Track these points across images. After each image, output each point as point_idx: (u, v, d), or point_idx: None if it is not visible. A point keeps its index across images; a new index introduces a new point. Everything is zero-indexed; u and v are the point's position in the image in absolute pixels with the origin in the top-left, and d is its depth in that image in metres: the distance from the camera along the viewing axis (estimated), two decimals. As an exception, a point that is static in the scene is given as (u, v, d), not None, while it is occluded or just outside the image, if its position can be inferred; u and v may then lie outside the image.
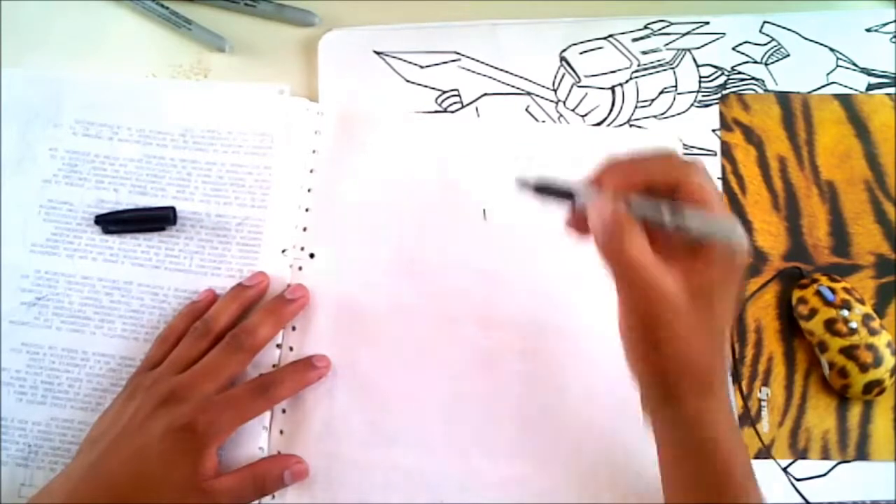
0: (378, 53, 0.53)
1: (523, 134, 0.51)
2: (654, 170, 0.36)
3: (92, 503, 0.39)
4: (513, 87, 0.53)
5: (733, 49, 0.54)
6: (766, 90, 0.53)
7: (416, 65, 0.53)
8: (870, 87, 0.53)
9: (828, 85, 0.53)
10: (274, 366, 0.46)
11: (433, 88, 0.53)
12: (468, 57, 0.53)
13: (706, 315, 0.35)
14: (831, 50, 0.54)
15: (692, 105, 0.53)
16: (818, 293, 0.47)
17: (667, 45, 0.54)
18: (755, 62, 0.54)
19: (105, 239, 0.49)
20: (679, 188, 0.35)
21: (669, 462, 0.40)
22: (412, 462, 0.45)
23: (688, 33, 0.54)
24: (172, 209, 0.49)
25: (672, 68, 0.53)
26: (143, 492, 0.40)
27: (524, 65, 0.53)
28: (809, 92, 0.53)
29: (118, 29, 0.54)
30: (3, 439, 0.46)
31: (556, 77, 0.53)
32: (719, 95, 0.53)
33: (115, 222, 0.49)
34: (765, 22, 0.54)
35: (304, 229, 0.49)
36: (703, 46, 0.54)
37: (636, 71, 0.53)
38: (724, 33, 0.54)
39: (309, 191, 0.50)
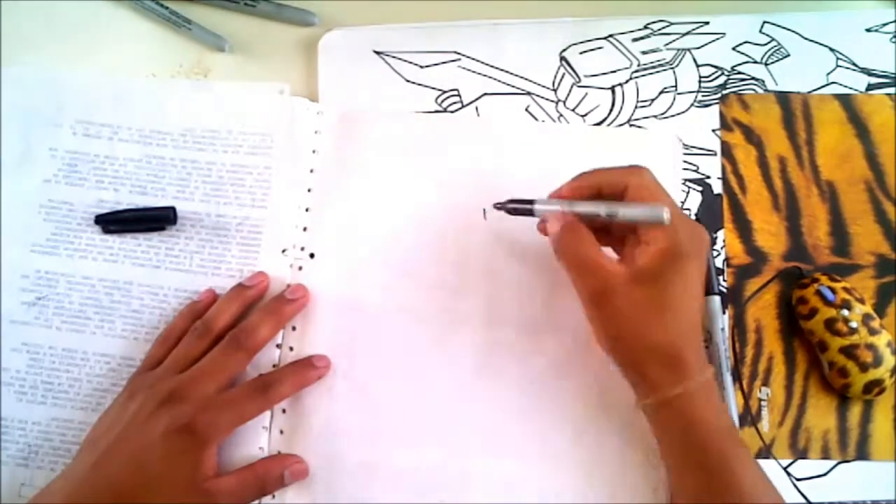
0: (378, 53, 0.53)
1: (523, 134, 0.51)
2: (602, 180, 0.42)
3: (92, 503, 0.39)
4: (513, 87, 0.53)
5: (733, 49, 0.54)
6: (766, 90, 0.53)
7: (416, 65, 0.53)
8: (870, 87, 0.53)
9: (828, 85, 0.53)
10: (274, 366, 0.46)
11: (433, 88, 0.53)
12: (468, 57, 0.53)
13: (652, 292, 0.39)
14: (831, 50, 0.54)
15: (692, 105, 0.53)
16: (818, 293, 0.47)
17: (667, 45, 0.54)
18: (755, 62, 0.54)
19: (105, 239, 0.49)
20: (626, 190, 0.41)
21: (665, 453, 0.42)
22: (412, 462, 0.45)
23: (688, 33, 0.54)
24: (172, 209, 0.49)
25: (672, 68, 0.53)
26: (144, 492, 0.40)
27: (524, 65, 0.53)
28: (809, 92, 0.53)
29: (118, 29, 0.54)
30: (3, 439, 0.46)
31: (556, 77, 0.53)
32: (719, 95, 0.53)
33: (115, 222, 0.49)
34: (765, 22, 0.54)
35: (304, 229, 0.49)
36: (703, 46, 0.54)
37: (636, 71, 0.53)
38: (724, 33, 0.54)
39: (309, 191, 0.50)
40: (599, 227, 0.42)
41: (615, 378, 0.43)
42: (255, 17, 0.54)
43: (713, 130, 0.52)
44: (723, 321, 0.48)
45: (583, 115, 0.52)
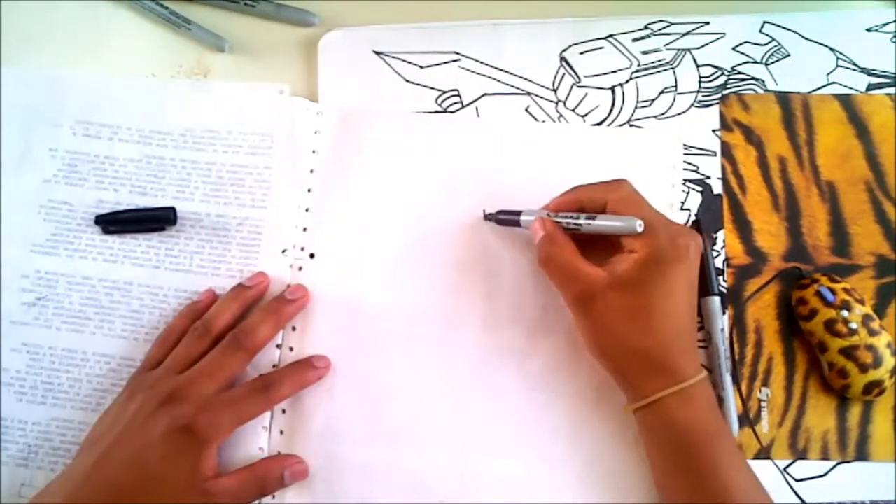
0: (378, 53, 0.53)
1: (523, 134, 0.51)
2: (583, 195, 0.44)
3: (93, 503, 0.39)
4: (513, 87, 0.53)
5: (733, 49, 0.54)
6: (766, 90, 0.53)
7: (416, 65, 0.53)
8: (870, 87, 0.53)
9: (828, 85, 0.53)
10: (274, 366, 0.47)
11: (433, 88, 0.53)
12: (468, 57, 0.53)
13: (633, 299, 0.40)
14: (831, 50, 0.54)
15: (692, 105, 0.53)
16: (818, 294, 0.47)
17: (667, 45, 0.54)
18: (755, 62, 0.54)
19: (105, 239, 0.49)
20: (606, 205, 0.43)
21: (651, 455, 0.42)
22: (412, 462, 0.45)
23: (688, 33, 0.54)
24: (172, 209, 0.49)
25: (672, 68, 0.53)
26: (144, 492, 0.40)
27: (524, 65, 0.53)
28: (809, 92, 0.53)
29: (118, 29, 0.54)
30: (3, 439, 0.46)
31: (556, 77, 0.53)
32: (719, 95, 0.53)
33: (115, 222, 0.49)
34: (765, 22, 0.54)
35: (305, 229, 0.49)
36: (703, 46, 0.54)
37: (636, 71, 0.53)
38: (724, 33, 0.54)
39: (309, 191, 0.50)
40: (586, 241, 0.43)
41: (612, 378, 0.43)
42: (255, 17, 0.54)
43: (713, 130, 0.52)
44: (722, 322, 0.48)
45: (583, 116, 0.52)
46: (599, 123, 0.52)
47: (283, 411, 0.46)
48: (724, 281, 0.49)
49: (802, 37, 0.54)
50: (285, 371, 0.46)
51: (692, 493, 0.39)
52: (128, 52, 0.53)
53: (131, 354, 0.47)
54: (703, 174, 0.51)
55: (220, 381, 0.43)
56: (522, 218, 0.46)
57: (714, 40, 0.54)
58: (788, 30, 0.54)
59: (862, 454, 0.47)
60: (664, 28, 0.54)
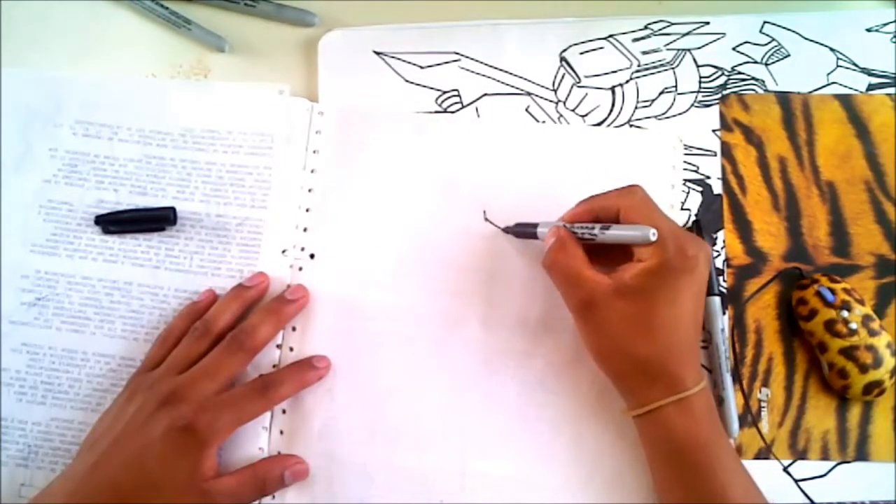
0: (378, 53, 0.53)
1: (523, 134, 0.51)
2: (596, 205, 0.44)
3: (93, 503, 0.39)
4: (513, 87, 0.53)
5: (733, 49, 0.54)
6: (766, 90, 0.53)
7: (416, 65, 0.53)
8: (870, 87, 0.53)
9: (828, 85, 0.53)
10: (274, 366, 0.47)
11: (433, 89, 0.53)
12: (468, 57, 0.53)
13: (637, 307, 0.40)
14: (831, 50, 0.54)
15: (692, 105, 0.53)
16: (818, 294, 0.47)
17: (667, 45, 0.54)
18: (755, 62, 0.54)
19: (105, 239, 0.49)
20: (618, 213, 0.42)
21: (651, 462, 0.43)
22: (412, 462, 0.45)
23: (688, 33, 0.54)
24: (172, 209, 0.49)
25: (672, 68, 0.53)
26: (144, 492, 0.40)
27: (524, 65, 0.53)
28: (809, 92, 0.53)
29: (118, 29, 0.54)
30: (3, 439, 0.46)
31: (556, 77, 0.53)
32: (719, 95, 0.53)
33: (115, 222, 0.49)
34: (765, 22, 0.54)
35: (305, 230, 0.49)
36: (703, 47, 0.54)
37: (636, 71, 0.53)
38: (724, 33, 0.54)
39: (309, 191, 0.50)
40: (603, 249, 0.43)
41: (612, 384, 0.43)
42: (255, 17, 0.54)
43: (713, 131, 0.52)
44: (722, 322, 0.48)
45: (583, 116, 0.52)
46: (599, 124, 0.52)
47: (283, 411, 0.46)
48: (724, 281, 0.49)
49: (802, 37, 0.54)
50: (285, 371, 0.46)
51: (690, 499, 0.40)
52: (128, 52, 0.53)
53: (131, 354, 0.47)
54: (703, 174, 0.51)
55: (220, 381, 0.43)
56: (539, 230, 0.46)
57: (714, 40, 0.54)
58: (788, 30, 0.54)
59: (862, 454, 0.47)
60: (664, 28, 0.54)
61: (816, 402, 0.48)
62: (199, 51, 0.54)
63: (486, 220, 0.49)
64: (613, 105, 0.52)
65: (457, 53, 0.53)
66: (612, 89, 0.53)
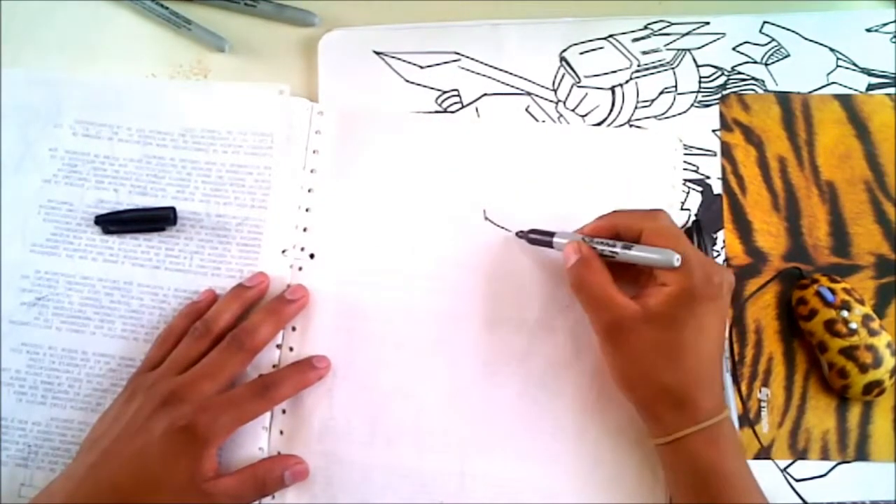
0: (378, 53, 0.53)
1: (523, 134, 0.51)
2: (619, 222, 0.44)
3: (93, 503, 0.39)
4: (513, 87, 0.53)
5: (733, 49, 0.54)
6: (766, 90, 0.53)
7: (416, 65, 0.53)
8: (870, 87, 0.53)
9: (828, 85, 0.53)
10: (274, 366, 0.47)
11: (433, 88, 0.53)
12: (468, 57, 0.53)
13: (664, 335, 0.40)
14: (831, 50, 0.54)
15: (692, 105, 0.53)
16: (818, 294, 0.47)
17: (667, 45, 0.54)
18: (755, 62, 0.54)
19: (105, 239, 0.49)
20: (641, 234, 0.42)
21: (673, 491, 0.42)
22: (412, 462, 0.45)
23: (688, 33, 0.54)
24: (172, 209, 0.49)
25: (672, 68, 0.53)
26: (144, 492, 0.40)
27: (524, 65, 0.53)
28: (809, 92, 0.53)
29: (118, 29, 0.54)
30: (3, 439, 0.46)
31: (556, 77, 0.53)
32: (719, 95, 0.53)
33: (115, 222, 0.49)
34: (765, 22, 0.54)
35: (305, 229, 0.49)
36: (703, 47, 0.54)
37: (636, 71, 0.53)
38: (724, 33, 0.54)
39: (309, 191, 0.50)
40: (619, 267, 0.43)
41: (636, 410, 0.43)
42: (255, 17, 0.54)
43: (713, 131, 0.52)
44: (723, 322, 0.48)
45: (583, 116, 0.52)
46: (599, 123, 0.52)
47: (283, 411, 0.46)
48: (724, 281, 0.49)
49: (802, 37, 0.54)
50: (285, 371, 0.46)
51: None
52: (128, 52, 0.53)
53: (131, 354, 0.47)
54: (703, 174, 0.51)
55: (220, 381, 0.43)
56: (556, 240, 0.45)
57: (714, 40, 0.54)
58: (788, 30, 0.54)
59: (862, 454, 0.47)
60: (664, 28, 0.54)
61: (816, 402, 0.48)
62: (199, 51, 0.54)
63: (487, 219, 0.49)
64: (613, 105, 0.52)
65: (457, 53, 0.53)
66: (612, 89, 0.53)
